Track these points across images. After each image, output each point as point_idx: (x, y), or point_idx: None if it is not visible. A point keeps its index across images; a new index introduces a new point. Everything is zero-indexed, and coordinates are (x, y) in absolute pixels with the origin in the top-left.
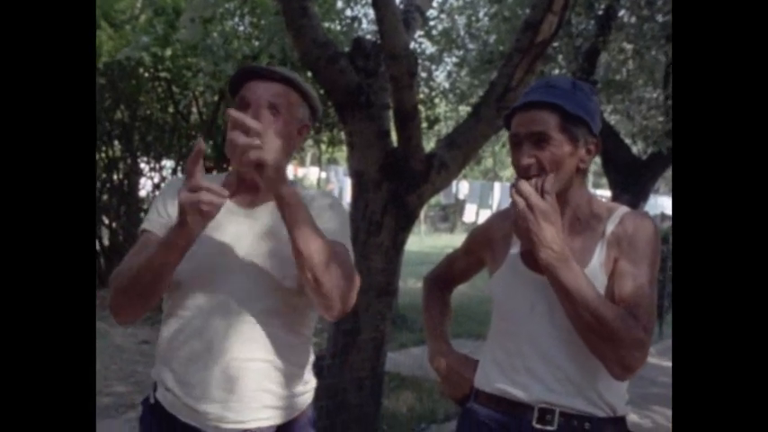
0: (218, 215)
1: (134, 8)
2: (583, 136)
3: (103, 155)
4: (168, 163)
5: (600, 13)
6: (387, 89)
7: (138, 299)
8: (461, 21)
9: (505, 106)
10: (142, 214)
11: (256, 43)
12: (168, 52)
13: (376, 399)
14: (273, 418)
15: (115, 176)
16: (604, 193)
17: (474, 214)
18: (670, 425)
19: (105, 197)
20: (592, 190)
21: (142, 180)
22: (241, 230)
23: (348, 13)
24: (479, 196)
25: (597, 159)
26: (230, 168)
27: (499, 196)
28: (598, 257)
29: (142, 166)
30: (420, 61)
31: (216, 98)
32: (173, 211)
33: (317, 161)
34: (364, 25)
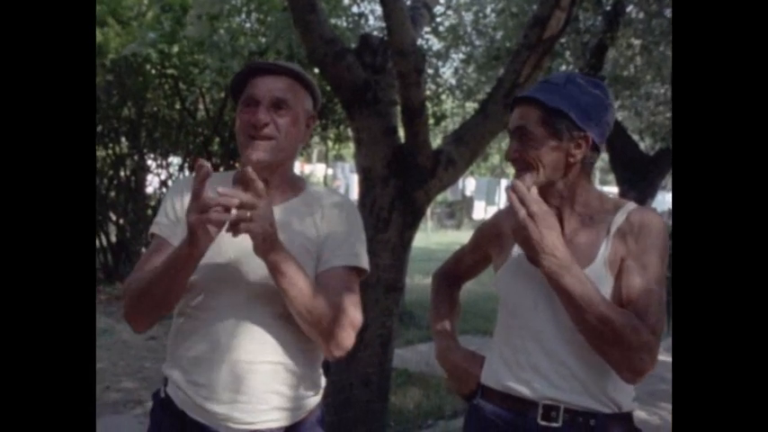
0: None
1: (141, 5)
2: (567, 130)
3: (110, 151)
4: (175, 159)
5: (608, 8)
6: (394, 86)
7: (152, 308)
8: (468, 17)
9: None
10: (149, 211)
11: (263, 40)
12: (175, 49)
13: (383, 395)
14: (282, 419)
15: (122, 173)
16: (612, 190)
17: (481, 211)
18: None
19: (112, 194)
20: (599, 186)
21: (149, 177)
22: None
23: (355, 9)
24: (486, 193)
25: (604, 156)
26: (238, 166)
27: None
28: (603, 253)
29: (149, 162)
30: (427, 58)
31: (223, 95)
32: (180, 210)
33: (323, 158)
34: (371, 21)
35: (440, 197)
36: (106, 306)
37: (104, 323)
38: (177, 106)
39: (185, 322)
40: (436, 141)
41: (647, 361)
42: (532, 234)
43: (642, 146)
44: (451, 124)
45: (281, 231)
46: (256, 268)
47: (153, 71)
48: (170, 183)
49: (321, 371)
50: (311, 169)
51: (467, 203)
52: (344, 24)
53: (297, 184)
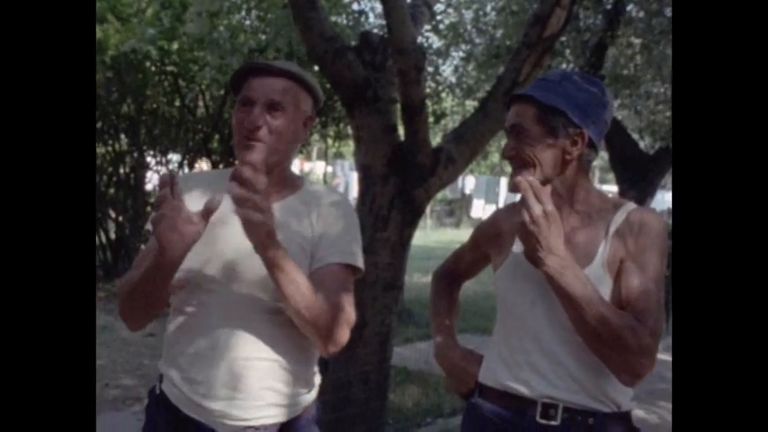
0: (224, 212)
1: (141, 1)
2: (563, 127)
3: (110, 148)
4: (175, 157)
5: (608, 7)
6: (394, 83)
7: (141, 310)
8: (469, 15)
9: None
10: (149, 208)
11: (263, 37)
12: (175, 46)
13: (382, 393)
14: (277, 416)
15: (122, 170)
16: (611, 189)
17: (480, 209)
18: None
19: (112, 191)
20: (598, 185)
21: (149, 174)
22: (240, 231)
23: (355, 6)
24: (486, 191)
25: (604, 154)
26: (236, 163)
27: (505, 191)
28: (602, 254)
29: (149, 159)
30: (427, 56)
31: (222, 92)
32: None
33: (323, 155)
34: (371, 19)
35: (439, 195)
36: (105, 303)
37: (103, 320)
38: (177, 103)
39: (180, 319)
40: (436, 139)
41: (646, 364)
42: (542, 232)
43: (642, 145)
44: (451, 122)
45: (278, 229)
46: (252, 266)
47: (152, 68)
48: (186, 173)
49: (316, 369)
50: (311, 167)
51: (466, 202)
52: (344, 22)
53: (294, 183)
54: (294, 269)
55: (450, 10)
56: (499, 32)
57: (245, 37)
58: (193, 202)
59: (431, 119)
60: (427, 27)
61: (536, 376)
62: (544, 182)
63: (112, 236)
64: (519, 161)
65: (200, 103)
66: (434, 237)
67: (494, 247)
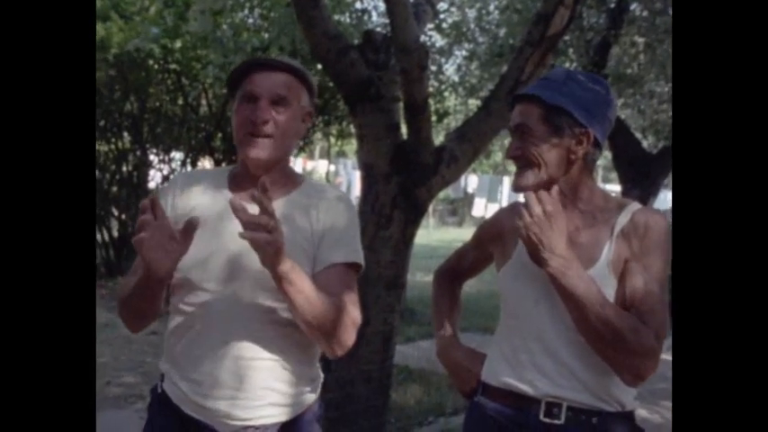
0: (223, 210)
1: (144, 0)
2: (568, 126)
3: (113, 146)
4: (177, 155)
5: (611, 6)
6: (397, 82)
7: (136, 317)
8: (472, 14)
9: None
10: None
11: (266, 35)
12: (178, 44)
13: (384, 391)
14: (278, 415)
15: (124, 168)
16: (614, 188)
17: (483, 208)
18: None
19: (115, 189)
20: (601, 185)
21: (151, 172)
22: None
23: (358, 5)
24: (488, 190)
25: (607, 154)
26: (238, 160)
27: (508, 190)
28: (607, 254)
29: (151, 157)
30: (430, 54)
31: (225, 90)
32: (171, 211)
33: (325, 154)
34: (374, 18)
35: (442, 194)
36: (108, 301)
37: (106, 318)
38: (180, 101)
39: (180, 319)
40: (439, 138)
41: (649, 365)
42: (544, 233)
43: (645, 144)
44: (454, 121)
45: (287, 221)
46: (251, 265)
47: (155, 66)
48: (183, 172)
49: (319, 367)
50: (313, 166)
51: (469, 201)
52: (348, 21)
53: (295, 179)
54: (302, 279)
55: (454, 9)
56: (502, 31)
57: (249, 35)
58: (194, 199)
59: (434, 118)
60: (430, 26)
61: (540, 375)
62: (549, 181)
63: (115, 234)
64: (523, 161)
65: (203, 102)
66: (437, 236)
67: (497, 247)
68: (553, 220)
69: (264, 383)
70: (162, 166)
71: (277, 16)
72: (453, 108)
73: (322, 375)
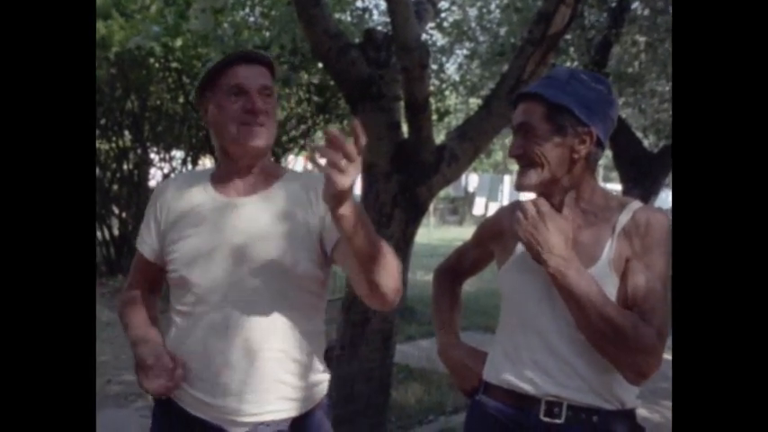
0: (213, 209)
1: None
2: (571, 125)
3: (114, 145)
4: (178, 153)
5: (613, 5)
6: (398, 81)
7: None
8: (473, 12)
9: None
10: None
11: (267, 34)
12: (179, 42)
13: (384, 390)
14: (290, 410)
15: (125, 166)
16: (615, 187)
17: (483, 207)
18: None
19: (115, 187)
20: (602, 184)
21: (152, 170)
22: (242, 221)
23: (359, 4)
24: (489, 189)
25: (608, 153)
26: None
27: (509, 189)
28: (608, 253)
29: (152, 156)
30: (431, 53)
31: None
32: (162, 217)
33: None
34: (375, 16)
35: (442, 193)
36: (109, 300)
37: (107, 316)
38: (180, 100)
39: (181, 319)
40: (439, 137)
41: (652, 363)
42: (540, 233)
43: (646, 143)
44: (455, 120)
45: (277, 220)
46: (248, 258)
47: (156, 64)
48: (173, 176)
49: (323, 361)
50: None
51: (469, 199)
52: (349, 19)
53: (277, 170)
54: (368, 222)
55: (455, 7)
56: (503, 30)
57: (249, 34)
58: (184, 202)
59: (434, 116)
60: (431, 24)
61: (541, 374)
62: (552, 180)
63: (116, 232)
64: (526, 159)
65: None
66: (437, 234)
67: (498, 245)
68: (548, 220)
69: (274, 376)
70: (163, 164)
71: (278, 15)
72: (454, 107)
73: (329, 370)
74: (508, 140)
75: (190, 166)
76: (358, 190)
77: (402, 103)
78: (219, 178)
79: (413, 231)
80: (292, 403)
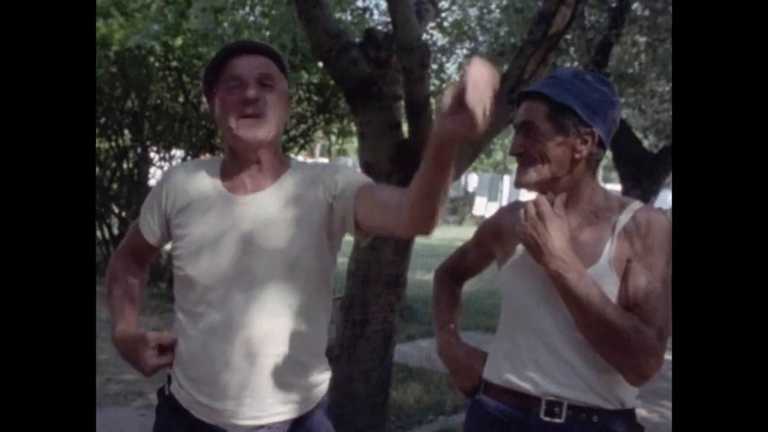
0: (219, 204)
1: None
2: (573, 125)
3: (113, 144)
4: (178, 152)
5: (613, 5)
6: (398, 80)
7: None
8: (473, 12)
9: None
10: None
11: (267, 33)
12: (179, 41)
13: (384, 390)
14: (290, 411)
15: (125, 165)
16: (615, 188)
17: (483, 207)
18: None
19: (115, 186)
20: (602, 184)
21: (152, 169)
22: (246, 219)
23: (359, 3)
24: (489, 189)
25: (608, 153)
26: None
27: (508, 189)
28: (608, 253)
29: (152, 155)
30: (431, 53)
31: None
32: (170, 205)
33: (326, 152)
34: (376, 16)
35: None
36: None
37: (106, 315)
38: (180, 99)
39: (184, 317)
40: None
41: (653, 365)
42: (540, 235)
43: (646, 143)
44: None
45: (281, 218)
46: (254, 256)
47: (156, 63)
48: (182, 163)
49: (326, 362)
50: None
51: (469, 199)
52: (349, 18)
53: (283, 162)
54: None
55: (455, 7)
56: (503, 30)
57: (250, 33)
58: (191, 192)
59: (434, 116)
60: (432, 24)
61: (541, 374)
62: (552, 179)
63: (115, 231)
64: (528, 158)
65: (204, 99)
66: (437, 234)
67: (498, 245)
68: (548, 221)
69: (274, 378)
70: (162, 163)
71: (278, 14)
72: None
73: (330, 370)
74: (508, 140)
75: (184, 161)
76: None
77: (402, 103)
78: (227, 173)
79: None
80: (292, 405)
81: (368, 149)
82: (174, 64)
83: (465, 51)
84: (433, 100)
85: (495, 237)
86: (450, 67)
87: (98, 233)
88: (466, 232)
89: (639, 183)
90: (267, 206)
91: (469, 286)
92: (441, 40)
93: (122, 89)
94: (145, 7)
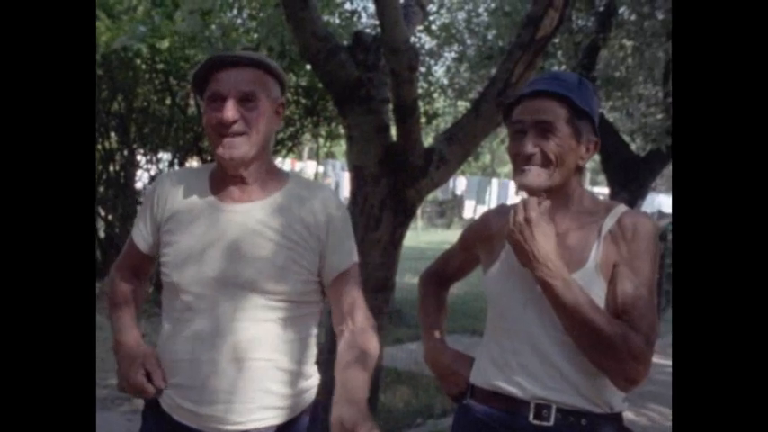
0: (206, 212)
1: None
2: (586, 133)
3: (100, 146)
4: (165, 155)
5: (600, 9)
6: (386, 83)
7: None
8: (461, 16)
9: (505, 102)
10: (138, 207)
11: (255, 36)
12: (166, 44)
13: (372, 393)
14: (275, 417)
15: (111, 168)
16: (602, 191)
17: (472, 210)
18: (666, 423)
19: (101, 189)
20: (589, 188)
21: (139, 172)
22: (234, 227)
23: (348, 6)
24: (477, 192)
25: (595, 156)
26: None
27: (497, 192)
28: (595, 256)
29: (139, 158)
30: (420, 56)
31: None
32: (160, 213)
33: (314, 155)
34: (364, 19)
35: (430, 196)
36: (96, 302)
37: (98, 319)
38: (167, 102)
39: (171, 322)
40: (428, 140)
41: (641, 370)
42: (527, 240)
43: (633, 147)
44: (443, 123)
45: (267, 229)
46: (241, 264)
47: (143, 66)
48: (172, 170)
49: (316, 367)
50: (302, 167)
51: (458, 203)
52: (337, 21)
53: (278, 177)
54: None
55: (443, 10)
56: (491, 33)
57: (237, 35)
58: (179, 201)
59: (423, 119)
60: (420, 27)
61: (529, 378)
62: (559, 184)
63: (101, 234)
64: (542, 160)
65: (191, 102)
66: (425, 238)
67: (484, 249)
68: (535, 227)
69: (260, 384)
70: (149, 166)
71: (266, 17)
72: (442, 110)
73: (319, 376)
74: (496, 143)
75: (177, 168)
76: (346, 192)
77: (390, 106)
78: (216, 182)
79: (401, 234)
80: (279, 411)
81: (356, 153)
82: (161, 66)
83: (453, 54)
84: (421, 103)
85: (482, 240)
86: (439, 71)
87: None
88: (454, 235)
89: (627, 186)
90: (255, 215)
91: (457, 289)
92: (429, 43)
93: (108, 91)
94: (131, 9)
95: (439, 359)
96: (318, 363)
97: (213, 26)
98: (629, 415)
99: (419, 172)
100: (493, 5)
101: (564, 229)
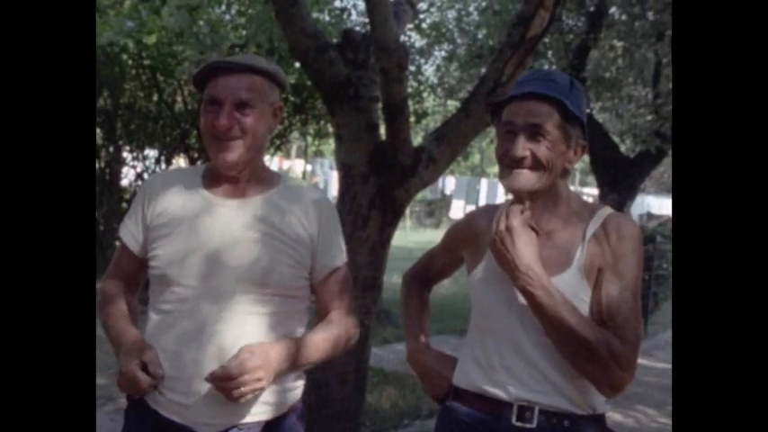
0: (200, 209)
1: None
2: (576, 137)
3: None
4: (151, 152)
5: (591, 9)
6: (376, 82)
7: None
8: (451, 14)
9: (494, 101)
10: (124, 204)
11: (244, 32)
12: (153, 39)
13: (359, 394)
14: (263, 413)
15: (97, 165)
16: (591, 192)
17: (460, 210)
18: (653, 424)
19: None
20: (579, 188)
21: (124, 169)
22: (226, 222)
23: (337, 3)
24: (466, 192)
25: (585, 157)
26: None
27: (486, 192)
28: (579, 259)
29: (125, 155)
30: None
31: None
32: (151, 211)
33: (302, 153)
34: (353, 17)
35: (419, 195)
36: None
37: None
38: (154, 98)
39: (159, 318)
40: (417, 139)
41: (625, 377)
42: (508, 250)
43: (623, 148)
44: (433, 122)
45: (259, 224)
46: (231, 261)
47: (130, 61)
48: (146, 176)
49: None
50: (290, 165)
51: (446, 202)
52: (327, 19)
53: (271, 178)
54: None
55: (434, 9)
56: (482, 33)
57: (226, 32)
58: (170, 200)
59: (412, 118)
60: (410, 26)
61: (512, 379)
62: (548, 187)
63: None
64: (532, 163)
65: (179, 99)
66: (414, 237)
67: (469, 250)
68: (516, 236)
69: None
70: (135, 163)
71: (255, 13)
72: (432, 109)
73: (304, 375)
74: (485, 143)
75: (163, 166)
76: (334, 191)
77: (380, 105)
78: (210, 179)
79: (390, 234)
80: (265, 407)
81: (345, 151)
82: (148, 62)
83: (443, 53)
84: (410, 102)
85: (467, 240)
86: (428, 69)
87: None
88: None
89: (616, 187)
90: (249, 210)
91: (445, 290)
92: (419, 41)
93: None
94: (118, 4)
95: (421, 360)
96: None
97: (201, 22)
98: (616, 417)
99: (408, 171)
100: (483, 4)
101: (551, 230)
